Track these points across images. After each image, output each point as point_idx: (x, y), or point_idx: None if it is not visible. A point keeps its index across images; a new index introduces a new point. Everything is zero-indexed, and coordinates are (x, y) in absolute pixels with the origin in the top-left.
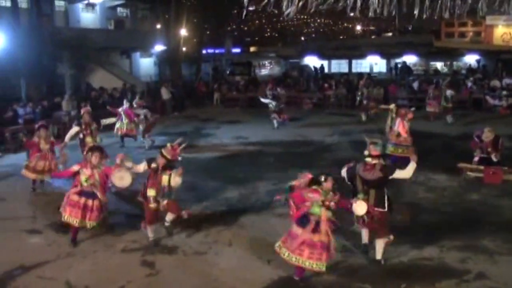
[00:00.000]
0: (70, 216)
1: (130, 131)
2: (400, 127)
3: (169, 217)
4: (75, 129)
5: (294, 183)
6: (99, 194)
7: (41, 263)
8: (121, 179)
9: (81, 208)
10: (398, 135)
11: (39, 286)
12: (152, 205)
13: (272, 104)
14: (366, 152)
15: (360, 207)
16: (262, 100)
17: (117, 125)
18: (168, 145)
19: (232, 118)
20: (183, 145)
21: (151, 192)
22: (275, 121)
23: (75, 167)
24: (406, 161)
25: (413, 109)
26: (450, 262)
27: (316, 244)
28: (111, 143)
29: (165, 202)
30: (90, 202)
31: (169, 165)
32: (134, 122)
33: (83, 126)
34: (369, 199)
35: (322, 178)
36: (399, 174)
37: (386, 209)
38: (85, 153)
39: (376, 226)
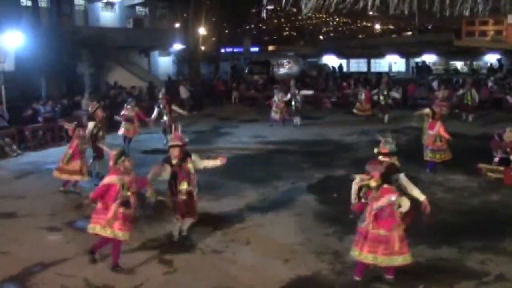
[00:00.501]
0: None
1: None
2: (441, 130)
3: (187, 225)
4: (90, 124)
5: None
6: (132, 202)
7: (60, 260)
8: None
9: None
10: (436, 139)
11: (57, 283)
12: (184, 196)
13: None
14: (377, 150)
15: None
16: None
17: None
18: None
19: (251, 117)
20: (180, 127)
21: (183, 186)
22: (298, 119)
23: (112, 179)
24: None
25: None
26: (469, 263)
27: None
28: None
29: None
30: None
31: (186, 153)
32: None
33: (97, 120)
34: None
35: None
36: (406, 182)
37: None
38: (112, 162)
39: None
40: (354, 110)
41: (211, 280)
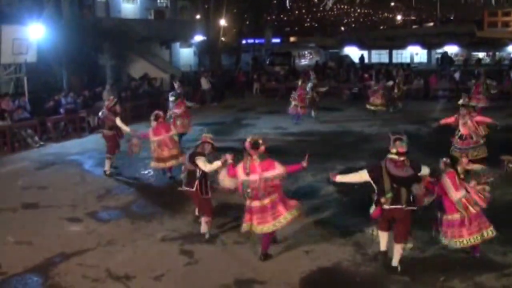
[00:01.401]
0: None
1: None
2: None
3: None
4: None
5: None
6: None
7: (82, 251)
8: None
9: None
10: (461, 137)
11: (79, 273)
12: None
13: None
14: (393, 150)
15: None
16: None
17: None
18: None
19: (272, 108)
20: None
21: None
22: (312, 112)
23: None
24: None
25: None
26: (491, 255)
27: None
28: None
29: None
30: None
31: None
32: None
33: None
34: (400, 197)
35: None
36: (424, 170)
37: (416, 208)
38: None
39: (398, 229)
40: (367, 106)
41: (232, 271)
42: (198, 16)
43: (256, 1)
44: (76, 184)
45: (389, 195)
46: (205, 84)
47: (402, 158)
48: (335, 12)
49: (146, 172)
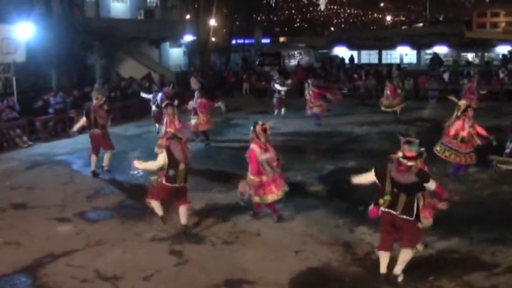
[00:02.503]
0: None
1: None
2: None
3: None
4: (82, 121)
5: None
6: None
7: (70, 251)
8: None
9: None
10: (454, 136)
11: (68, 274)
12: None
13: (282, 92)
14: (400, 153)
15: None
16: (276, 86)
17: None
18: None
19: (261, 108)
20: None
21: None
22: (283, 110)
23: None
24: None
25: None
26: (480, 255)
27: None
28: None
29: None
30: None
31: None
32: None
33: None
34: (397, 204)
35: None
36: (431, 184)
37: (413, 218)
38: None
39: (404, 235)
40: (382, 108)
41: (222, 271)
42: (188, 16)
43: (246, 1)
44: (65, 184)
45: (387, 197)
46: (194, 84)
47: (409, 163)
48: (325, 12)
49: (135, 172)
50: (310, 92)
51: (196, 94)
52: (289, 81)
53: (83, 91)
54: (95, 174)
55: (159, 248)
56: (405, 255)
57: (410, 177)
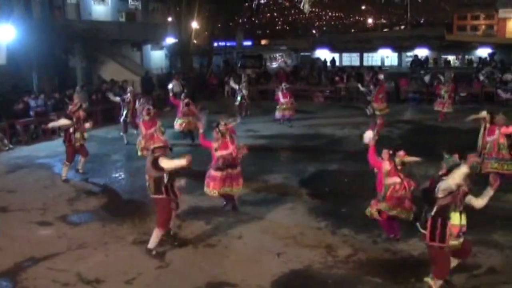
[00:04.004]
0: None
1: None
2: (501, 137)
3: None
4: (65, 121)
5: None
6: None
7: (52, 254)
8: None
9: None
10: (501, 148)
11: (49, 277)
12: None
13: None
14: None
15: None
16: (231, 84)
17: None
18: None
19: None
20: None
21: None
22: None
23: None
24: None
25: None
26: None
27: None
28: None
29: None
30: None
31: None
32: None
33: (74, 120)
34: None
35: None
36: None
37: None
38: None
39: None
40: (369, 111)
41: (204, 274)
42: (169, 19)
43: (227, 3)
44: (46, 187)
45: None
46: (176, 86)
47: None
48: (307, 15)
49: (117, 175)
50: (281, 94)
51: (182, 96)
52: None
53: (64, 93)
54: (78, 171)
55: (141, 251)
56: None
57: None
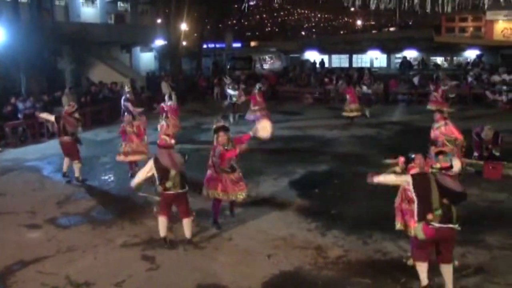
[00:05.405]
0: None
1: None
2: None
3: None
4: (51, 117)
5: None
6: None
7: (41, 258)
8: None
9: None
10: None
11: (38, 281)
12: None
13: (234, 97)
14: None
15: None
16: (229, 91)
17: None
18: None
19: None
20: None
21: None
22: (236, 116)
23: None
24: None
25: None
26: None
27: None
28: (110, 138)
29: None
30: None
31: None
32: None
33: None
34: (452, 217)
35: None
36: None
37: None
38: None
39: (447, 248)
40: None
41: (194, 276)
42: (158, 21)
43: (217, 5)
44: (35, 190)
45: (438, 212)
46: (165, 88)
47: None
48: (296, 17)
49: (106, 177)
50: (256, 95)
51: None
52: (242, 86)
53: (52, 96)
54: (65, 175)
55: (131, 254)
56: (449, 271)
57: (459, 186)
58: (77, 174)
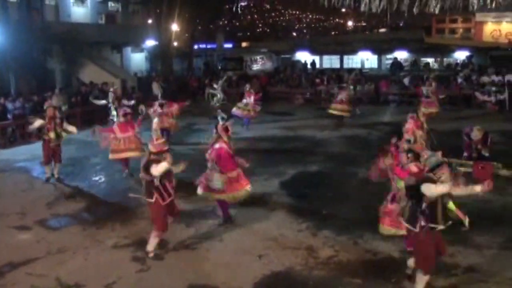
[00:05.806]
0: None
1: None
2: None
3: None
4: (39, 122)
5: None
6: None
7: (31, 259)
8: None
9: None
10: None
11: (28, 283)
12: None
13: (218, 96)
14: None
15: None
16: (211, 91)
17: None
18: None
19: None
20: None
21: None
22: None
23: None
24: None
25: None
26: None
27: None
28: None
29: None
30: None
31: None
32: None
33: (47, 120)
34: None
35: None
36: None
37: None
38: None
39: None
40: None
41: (185, 277)
42: (150, 21)
43: (208, 6)
44: (24, 191)
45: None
46: (156, 89)
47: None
48: (287, 17)
49: (97, 178)
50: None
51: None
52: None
53: (42, 96)
54: (48, 180)
55: (121, 255)
56: (419, 278)
57: None
58: (55, 171)
